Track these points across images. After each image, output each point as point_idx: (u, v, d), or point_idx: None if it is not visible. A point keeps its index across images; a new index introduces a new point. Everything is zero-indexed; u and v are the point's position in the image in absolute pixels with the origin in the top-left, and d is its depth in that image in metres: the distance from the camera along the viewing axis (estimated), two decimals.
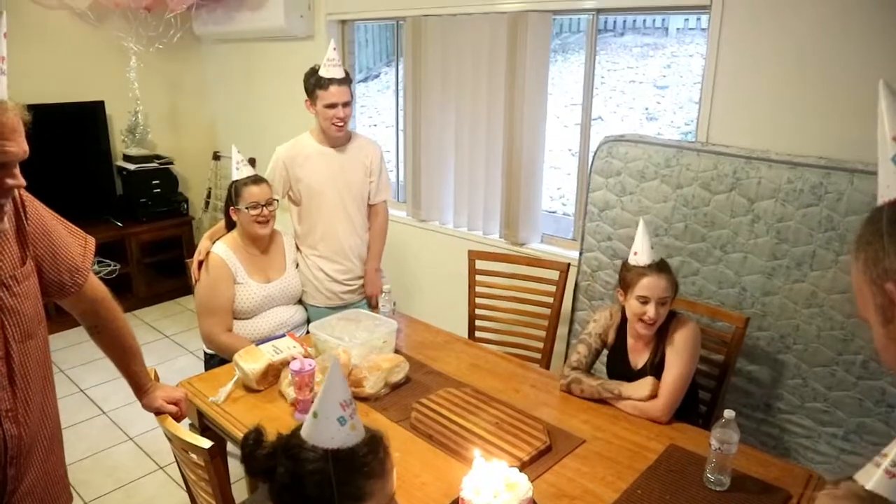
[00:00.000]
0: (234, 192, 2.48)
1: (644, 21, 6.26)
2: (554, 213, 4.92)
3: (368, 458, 1.10)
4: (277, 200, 2.58)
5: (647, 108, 5.83)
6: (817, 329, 2.21)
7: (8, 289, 1.19)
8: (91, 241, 1.43)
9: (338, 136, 2.69)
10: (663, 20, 6.12)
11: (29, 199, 1.28)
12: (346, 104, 2.62)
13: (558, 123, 5.52)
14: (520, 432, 1.83)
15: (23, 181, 1.12)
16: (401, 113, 3.84)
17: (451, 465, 1.74)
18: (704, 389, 2.29)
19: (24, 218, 1.24)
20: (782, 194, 2.22)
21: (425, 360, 2.33)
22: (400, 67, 3.80)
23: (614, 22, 6.10)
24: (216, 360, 2.53)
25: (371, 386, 2.05)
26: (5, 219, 1.15)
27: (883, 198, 0.79)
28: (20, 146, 1.09)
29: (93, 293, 1.46)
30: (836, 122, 2.21)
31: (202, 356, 2.76)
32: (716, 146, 2.43)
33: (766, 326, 2.32)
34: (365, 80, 5.94)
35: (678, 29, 6.14)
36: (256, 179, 2.51)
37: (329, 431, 1.10)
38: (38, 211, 1.30)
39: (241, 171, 2.51)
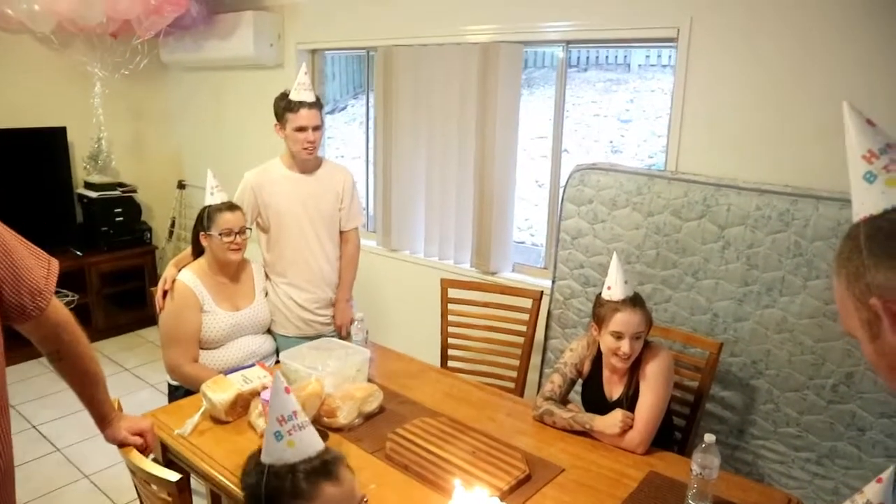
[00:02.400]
0: (206, 217, 2.43)
1: (606, 57, 6.44)
2: (522, 243, 4.95)
3: (298, 478, 1.06)
4: (251, 228, 2.52)
5: (611, 141, 5.95)
6: (788, 354, 2.24)
7: None
8: (55, 263, 1.37)
9: (307, 161, 2.66)
10: (625, 56, 6.30)
11: None
12: (317, 128, 2.59)
13: (525, 155, 5.60)
14: (498, 461, 1.79)
15: None
16: (370, 143, 3.84)
17: (428, 495, 1.69)
18: (679, 416, 2.29)
19: None
20: (751, 221, 2.27)
21: (399, 390, 2.28)
22: (370, 97, 3.81)
23: (577, 58, 6.26)
24: (181, 391, 2.44)
25: (345, 416, 1.99)
26: None
27: (858, 215, 0.81)
28: None
29: (55, 317, 1.39)
30: (801, 150, 2.27)
31: (164, 389, 2.66)
32: (686, 174, 2.47)
33: (739, 352, 2.34)
34: (332, 112, 5.96)
35: (640, 65, 6.32)
36: (231, 206, 2.46)
37: (268, 446, 1.09)
38: None
39: (215, 196, 2.46)
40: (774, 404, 2.29)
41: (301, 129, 2.56)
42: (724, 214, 2.32)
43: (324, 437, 1.93)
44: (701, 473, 1.59)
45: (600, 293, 2.02)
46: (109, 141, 4.59)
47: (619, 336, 1.94)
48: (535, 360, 2.84)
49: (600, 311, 1.99)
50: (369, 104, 3.86)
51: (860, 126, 0.80)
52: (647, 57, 6.13)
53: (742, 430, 2.37)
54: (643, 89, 6.08)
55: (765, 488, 1.79)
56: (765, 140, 2.35)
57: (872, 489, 1.12)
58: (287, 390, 1.13)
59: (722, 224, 2.33)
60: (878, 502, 1.10)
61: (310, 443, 1.11)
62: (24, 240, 1.32)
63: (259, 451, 1.14)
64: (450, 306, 2.90)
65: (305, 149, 2.59)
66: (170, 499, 1.56)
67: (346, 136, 6.21)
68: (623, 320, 1.93)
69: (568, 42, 2.87)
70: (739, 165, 2.39)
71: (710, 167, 2.46)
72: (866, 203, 0.79)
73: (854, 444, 2.14)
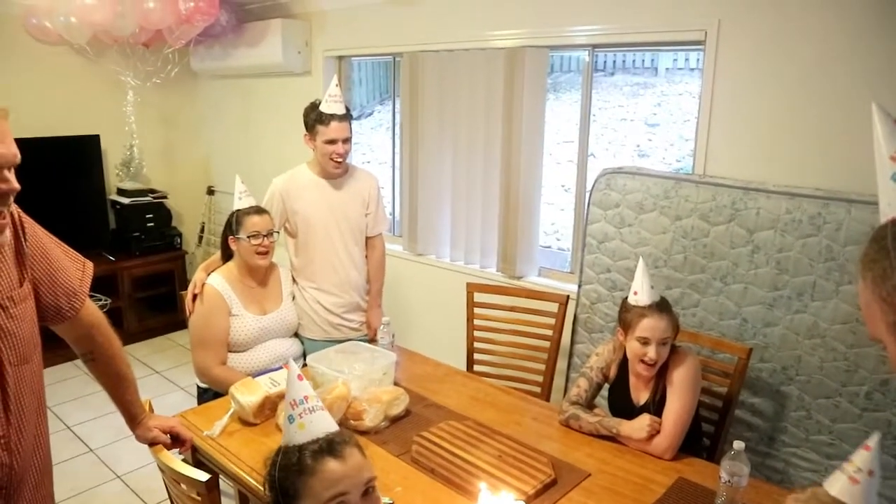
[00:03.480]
0: (234, 221, 2.47)
1: (633, 61, 6.39)
2: (549, 247, 4.92)
3: (305, 455, 1.11)
4: (278, 232, 2.56)
5: (638, 146, 5.90)
6: (820, 360, 2.19)
7: (4, 310, 1.16)
8: (89, 266, 1.41)
9: (336, 172, 2.69)
10: (652, 60, 6.24)
11: (28, 221, 1.26)
12: (346, 140, 2.62)
13: (551, 160, 5.57)
14: (524, 465, 1.79)
15: (16, 185, 1.10)
16: (396, 148, 3.86)
17: (454, 499, 1.70)
18: (708, 422, 2.26)
19: (22, 239, 1.22)
20: (781, 225, 2.23)
21: (425, 393, 2.28)
22: (396, 103, 3.83)
23: (604, 62, 6.22)
24: (210, 394, 2.47)
25: (371, 419, 2.00)
26: (6, 231, 1.13)
27: (886, 216, 0.79)
28: (9, 149, 1.09)
29: (89, 319, 1.43)
30: (831, 153, 2.23)
31: (194, 392, 2.71)
32: (714, 178, 2.44)
33: (768, 358, 2.30)
34: (358, 118, 6.00)
35: (667, 69, 6.26)
36: (259, 210, 2.50)
37: (284, 430, 1.17)
38: (37, 233, 1.28)
39: (243, 200, 2.50)
40: (806, 411, 2.25)
41: (331, 141, 2.58)
42: (753, 218, 2.29)
43: None
44: (730, 481, 1.56)
45: (626, 298, 2.01)
46: (141, 148, 4.69)
47: (645, 342, 1.92)
48: (561, 364, 2.83)
49: (626, 317, 1.98)
50: (395, 110, 3.89)
51: (889, 127, 0.79)
52: (675, 60, 6.06)
53: (772, 437, 2.33)
54: (671, 93, 6.02)
55: None
56: (794, 142, 2.31)
57: (861, 457, 1.10)
58: (300, 377, 1.19)
59: (751, 228, 2.30)
60: (867, 469, 1.09)
61: (320, 425, 1.15)
62: (60, 242, 1.37)
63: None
64: (476, 310, 2.90)
65: (334, 160, 2.61)
66: (199, 498, 1.59)
67: (372, 142, 6.25)
68: (649, 326, 1.91)
69: (594, 46, 2.86)
70: (768, 168, 2.36)
71: (738, 170, 2.43)
72: (893, 204, 0.78)
73: (890, 454, 2.09)
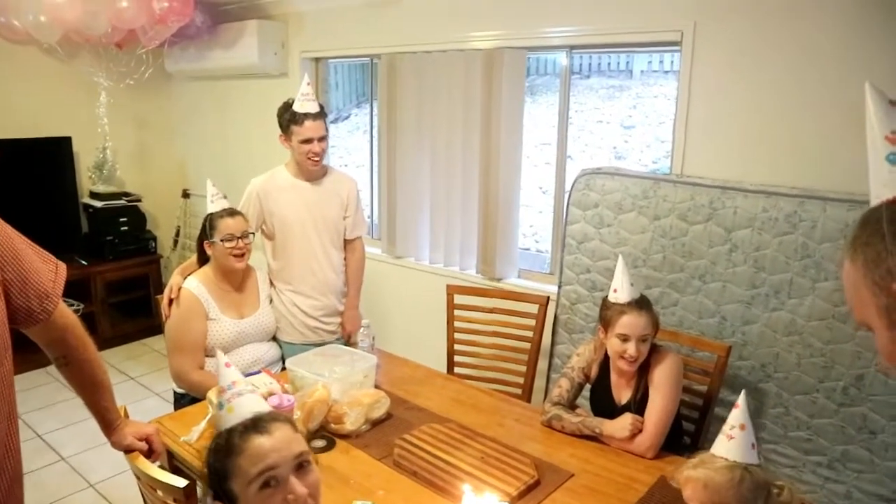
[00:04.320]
0: (208, 225, 2.43)
1: (609, 64, 6.44)
2: (527, 249, 4.93)
3: (233, 436, 1.12)
4: (253, 234, 2.53)
5: (615, 147, 5.94)
6: (797, 357, 2.22)
7: None
8: (62, 268, 1.37)
9: (314, 170, 2.66)
10: (627, 62, 6.30)
11: None
12: (322, 139, 2.60)
13: (528, 163, 5.59)
14: (507, 467, 1.78)
15: None
16: (374, 151, 3.84)
17: (437, 502, 1.68)
18: (688, 420, 2.27)
19: None
20: (758, 223, 2.25)
21: (406, 396, 2.27)
22: (374, 105, 3.81)
23: (580, 65, 6.27)
24: (187, 399, 2.43)
25: (352, 422, 1.98)
26: None
27: (879, 198, 0.78)
28: None
29: (62, 321, 1.39)
30: (807, 152, 2.26)
31: (169, 398, 2.66)
32: (691, 177, 2.46)
33: (747, 355, 2.33)
34: (335, 121, 5.97)
35: (642, 71, 6.32)
36: (232, 212, 2.46)
37: (216, 416, 1.21)
38: (7, 233, 1.24)
39: (216, 203, 2.47)
40: (784, 408, 2.27)
41: (307, 140, 2.56)
42: (730, 217, 2.31)
43: (331, 443, 1.93)
44: None
45: (606, 296, 2.01)
46: (114, 150, 4.60)
47: (625, 339, 1.93)
48: (542, 365, 2.83)
49: (606, 314, 1.98)
50: (373, 112, 3.87)
51: (883, 107, 0.78)
52: (650, 63, 6.13)
53: None
54: (646, 95, 6.08)
55: None
56: (771, 142, 2.34)
57: (733, 415, 1.34)
58: (227, 365, 1.24)
59: (729, 227, 2.32)
60: (739, 424, 1.32)
61: (248, 406, 1.17)
62: (32, 243, 1.33)
63: None
64: (456, 312, 2.89)
65: (311, 159, 2.59)
66: None
67: (349, 146, 6.21)
68: (629, 323, 1.92)
69: (571, 47, 2.87)
70: (745, 168, 2.38)
71: (715, 170, 2.45)
72: (889, 185, 0.77)
73: (866, 448, 2.12)
